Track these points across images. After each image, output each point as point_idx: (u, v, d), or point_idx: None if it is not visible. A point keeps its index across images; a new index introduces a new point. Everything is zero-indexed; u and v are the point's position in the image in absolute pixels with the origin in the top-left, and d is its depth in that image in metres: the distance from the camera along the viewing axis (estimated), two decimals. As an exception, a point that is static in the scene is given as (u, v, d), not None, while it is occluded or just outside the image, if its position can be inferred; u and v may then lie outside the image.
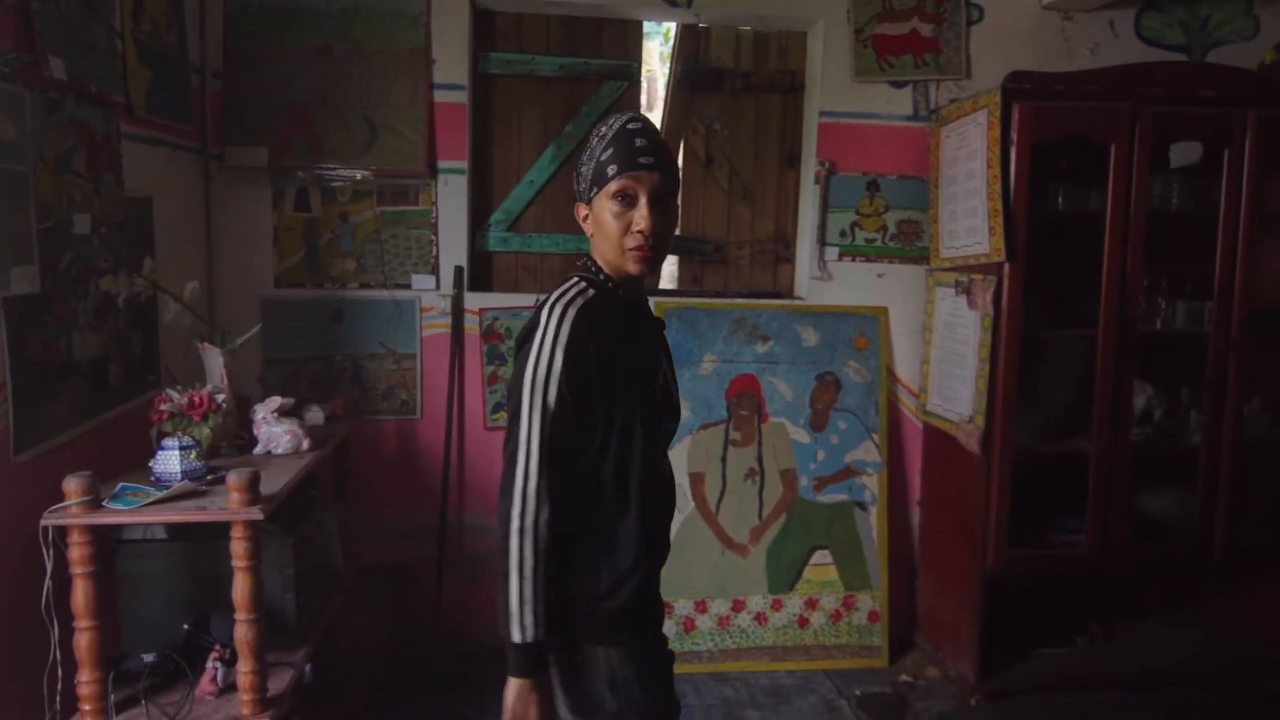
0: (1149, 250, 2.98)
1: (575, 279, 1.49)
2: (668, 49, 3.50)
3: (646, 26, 3.49)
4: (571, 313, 1.41)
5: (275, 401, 2.35)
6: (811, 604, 3.30)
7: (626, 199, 1.44)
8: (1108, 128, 2.89)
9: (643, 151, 1.45)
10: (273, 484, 2.00)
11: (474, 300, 3.24)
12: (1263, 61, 3.39)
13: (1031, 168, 2.87)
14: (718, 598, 3.26)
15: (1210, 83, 3.01)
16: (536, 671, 1.39)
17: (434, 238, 3.19)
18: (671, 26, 3.59)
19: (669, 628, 3.22)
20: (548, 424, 1.38)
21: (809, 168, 3.41)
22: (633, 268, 1.47)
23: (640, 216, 1.44)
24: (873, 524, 3.35)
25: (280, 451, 2.30)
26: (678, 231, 3.53)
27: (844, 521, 3.33)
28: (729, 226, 3.51)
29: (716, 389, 3.29)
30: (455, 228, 3.21)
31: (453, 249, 3.21)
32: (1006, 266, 2.89)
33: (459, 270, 3.20)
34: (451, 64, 3.16)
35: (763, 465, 3.30)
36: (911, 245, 3.41)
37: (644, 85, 3.62)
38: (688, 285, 3.53)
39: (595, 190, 1.46)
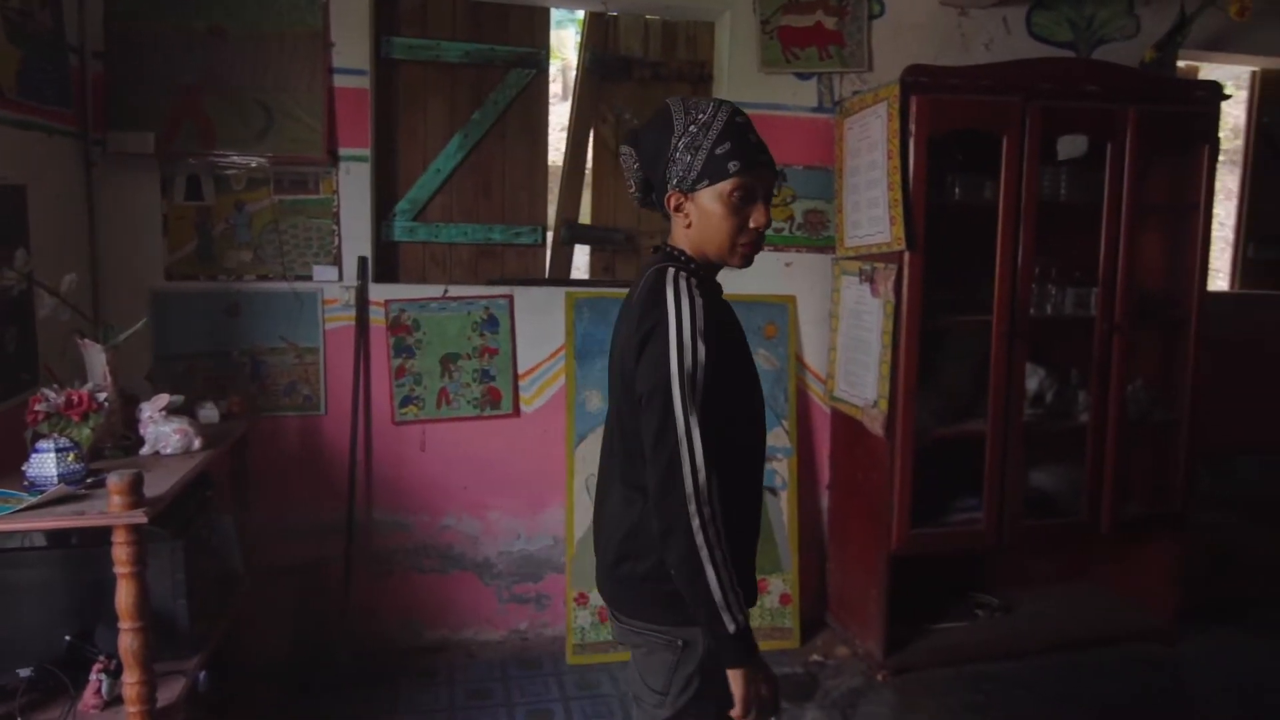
0: (1040, 239, 3.10)
1: (666, 265, 1.48)
2: (582, 37, 3.46)
3: (556, 14, 3.45)
4: (699, 299, 1.42)
5: (162, 399, 2.25)
6: (725, 589, 3.34)
7: (746, 196, 1.46)
8: (1000, 120, 3.00)
9: (761, 149, 1.49)
10: (159, 486, 1.91)
11: (379, 292, 3.16)
12: (1143, 59, 3.56)
13: (929, 158, 2.96)
14: (632, 586, 3.27)
15: (1095, 79, 3.15)
16: (755, 653, 1.41)
17: (336, 227, 3.10)
18: (582, 15, 3.55)
19: (585, 619, 3.23)
20: (702, 413, 1.38)
21: (717, 158, 3.43)
22: (739, 262, 1.53)
23: (760, 215, 1.49)
24: (784, 509, 3.41)
25: (169, 452, 2.20)
26: (588, 221, 3.53)
27: (755, 507, 3.38)
28: (640, 216, 3.51)
29: (628, 378, 3.29)
30: (358, 217, 3.12)
31: (356, 239, 3.12)
32: (907, 255, 2.97)
33: (363, 261, 3.12)
34: (352, 48, 3.07)
35: (675, 453, 3.32)
36: (818, 235, 3.47)
37: (555, 74, 3.59)
38: (600, 275, 3.52)
39: (705, 183, 1.45)
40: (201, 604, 2.21)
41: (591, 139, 3.46)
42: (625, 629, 1.56)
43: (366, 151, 3.11)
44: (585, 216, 3.56)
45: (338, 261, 3.11)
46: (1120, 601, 3.65)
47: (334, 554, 3.13)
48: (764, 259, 3.41)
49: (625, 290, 3.26)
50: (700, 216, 1.48)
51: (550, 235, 3.47)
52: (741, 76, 3.36)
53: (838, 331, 3.41)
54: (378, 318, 3.15)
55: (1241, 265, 4.22)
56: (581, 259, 3.68)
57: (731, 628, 1.36)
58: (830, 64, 3.39)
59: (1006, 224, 3.04)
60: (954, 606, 3.55)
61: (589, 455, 3.24)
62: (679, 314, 1.40)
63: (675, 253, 1.53)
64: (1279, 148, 4.13)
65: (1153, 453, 3.49)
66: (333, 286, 3.11)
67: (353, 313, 3.11)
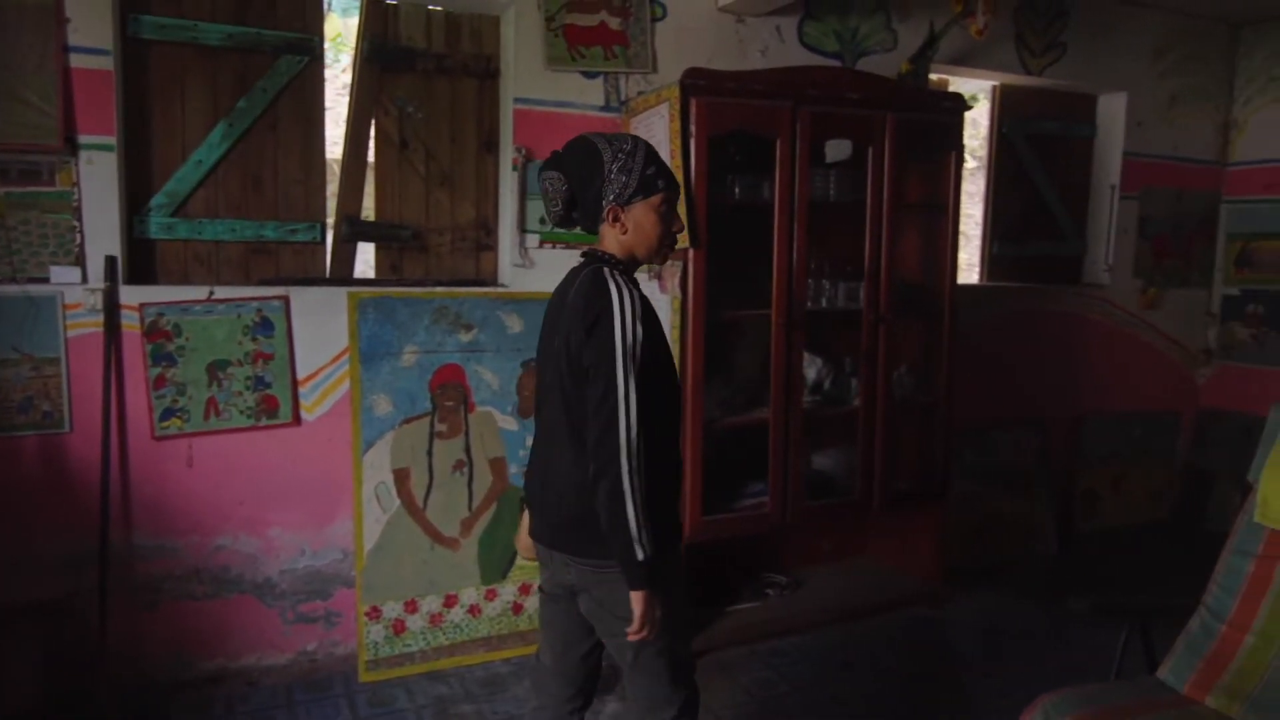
0: (813, 236, 3.30)
1: (599, 265, 1.84)
2: (359, 25, 3.30)
3: (339, 1, 3.27)
4: (635, 290, 1.81)
5: None
6: (525, 590, 3.32)
7: (668, 209, 1.87)
8: (773, 124, 3.16)
9: (671, 173, 1.89)
10: None
11: (133, 295, 2.87)
12: (900, 71, 3.86)
13: (710, 159, 3.07)
14: (429, 595, 3.18)
15: (857, 87, 3.38)
16: (654, 581, 1.75)
17: (77, 224, 2.78)
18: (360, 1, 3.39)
19: (379, 633, 3.10)
20: (638, 382, 1.74)
21: (507, 154, 3.40)
22: (662, 261, 1.96)
23: (678, 222, 1.91)
24: (582, 505, 3.42)
25: None
26: (372, 217, 3.38)
27: (554, 505, 3.37)
28: (428, 213, 3.40)
29: (419, 381, 3.18)
30: (104, 212, 2.81)
31: (102, 237, 2.82)
32: (691, 253, 3.07)
33: (111, 261, 2.82)
34: (91, 24, 2.76)
35: (471, 456, 3.26)
36: (608, 232, 3.50)
37: (348, 64, 3.40)
38: (386, 274, 3.38)
39: (640, 197, 1.83)
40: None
41: (373, 132, 3.31)
42: (585, 570, 1.86)
43: (112, 140, 2.81)
44: (369, 212, 3.40)
45: (80, 262, 2.79)
46: (894, 571, 3.96)
47: (88, 586, 2.82)
48: (557, 256, 3.43)
49: (414, 290, 3.20)
50: (635, 225, 1.84)
51: (330, 232, 3.30)
52: (528, 72, 3.34)
53: (630, 327, 3.46)
54: (131, 323, 2.86)
55: (989, 261, 4.68)
56: (367, 257, 3.52)
57: (640, 556, 1.72)
58: (616, 64, 3.44)
59: (782, 222, 3.21)
60: (748, 587, 3.71)
61: (378, 463, 3.11)
62: (621, 303, 1.76)
63: (606, 256, 1.87)
64: (1017, 154, 4.62)
65: (917, 432, 3.80)
66: (75, 289, 2.79)
67: (100, 318, 2.81)
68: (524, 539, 2.11)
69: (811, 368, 3.57)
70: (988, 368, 4.37)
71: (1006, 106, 4.59)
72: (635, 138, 1.88)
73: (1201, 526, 4.84)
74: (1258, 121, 4.90)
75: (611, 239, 1.87)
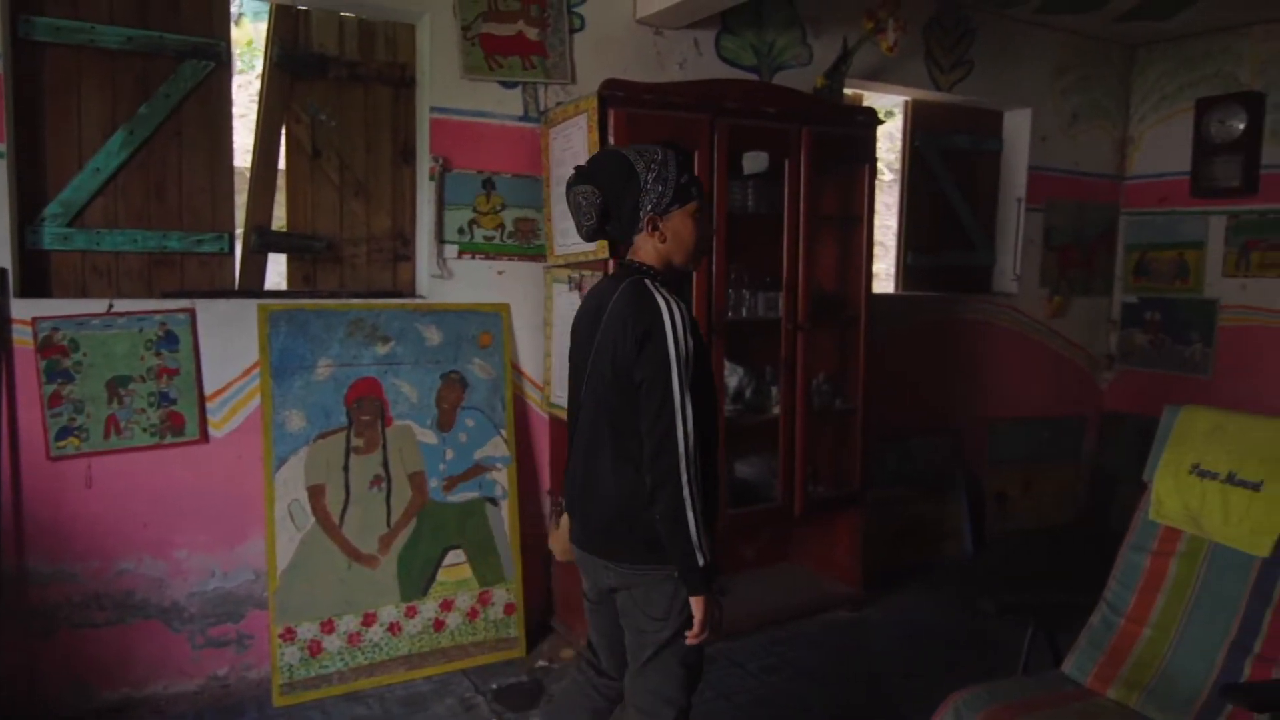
0: (733, 247, 3.34)
1: (642, 278, 1.89)
2: (268, 30, 3.21)
3: (250, 6, 3.19)
4: (681, 304, 1.85)
5: None
6: (447, 605, 3.26)
7: (703, 215, 1.94)
8: (691, 135, 3.19)
9: (700, 180, 1.96)
10: None
11: (25, 308, 2.73)
12: (815, 85, 3.95)
13: (628, 170, 3.07)
14: (346, 614, 3.09)
15: (774, 101, 3.44)
16: (713, 586, 1.83)
17: (-38, 234, 2.64)
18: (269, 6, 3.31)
19: (293, 655, 3.00)
20: (690, 394, 1.79)
21: (423, 164, 3.35)
22: (697, 267, 2.06)
23: (711, 230, 1.95)
24: (505, 518, 3.39)
25: None
26: (284, 228, 3.29)
27: (476, 519, 3.33)
28: (342, 223, 3.33)
29: (334, 395, 3.11)
30: (-7, 222, 2.68)
31: (-9, 247, 2.68)
32: (611, 264, 3.06)
33: (1, 273, 2.68)
34: (-23, 25, 2.63)
35: (389, 470, 3.19)
36: (529, 243, 3.49)
37: (237, 68, 3.31)
38: (299, 285, 3.29)
39: (676, 206, 1.90)
40: None
41: (284, 140, 3.22)
42: (625, 572, 1.92)
43: (1, 146, 2.68)
44: (281, 223, 3.32)
45: (-34, 274, 2.65)
46: (816, 576, 4.02)
47: (-25, 617, 2.67)
48: (476, 267, 3.40)
49: (328, 301, 3.13)
50: (673, 233, 1.91)
51: (239, 243, 3.20)
52: (445, 82, 3.30)
53: (552, 339, 3.45)
54: (24, 338, 2.72)
55: (904, 270, 4.81)
56: (278, 269, 3.43)
57: (701, 562, 1.79)
58: (534, 74, 3.43)
59: (701, 233, 3.24)
60: (673, 597, 3.71)
61: (291, 479, 3.02)
62: (672, 316, 1.81)
63: (644, 268, 1.92)
64: (929, 167, 4.76)
65: (836, 439, 3.87)
66: (-40, 303, 2.65)
67: (-11, 333, 2.67)
68: (561, 542, 2.15)
69: (733, 376, 3.60)
70: (904, 375, 4.48)
71: (918, 121, 4.73)
72: (663, 148, 1.93)
73: (1106, 525, 5.06)
74: (1152, 137, 5.16)
75: (649, 248, 1.93)
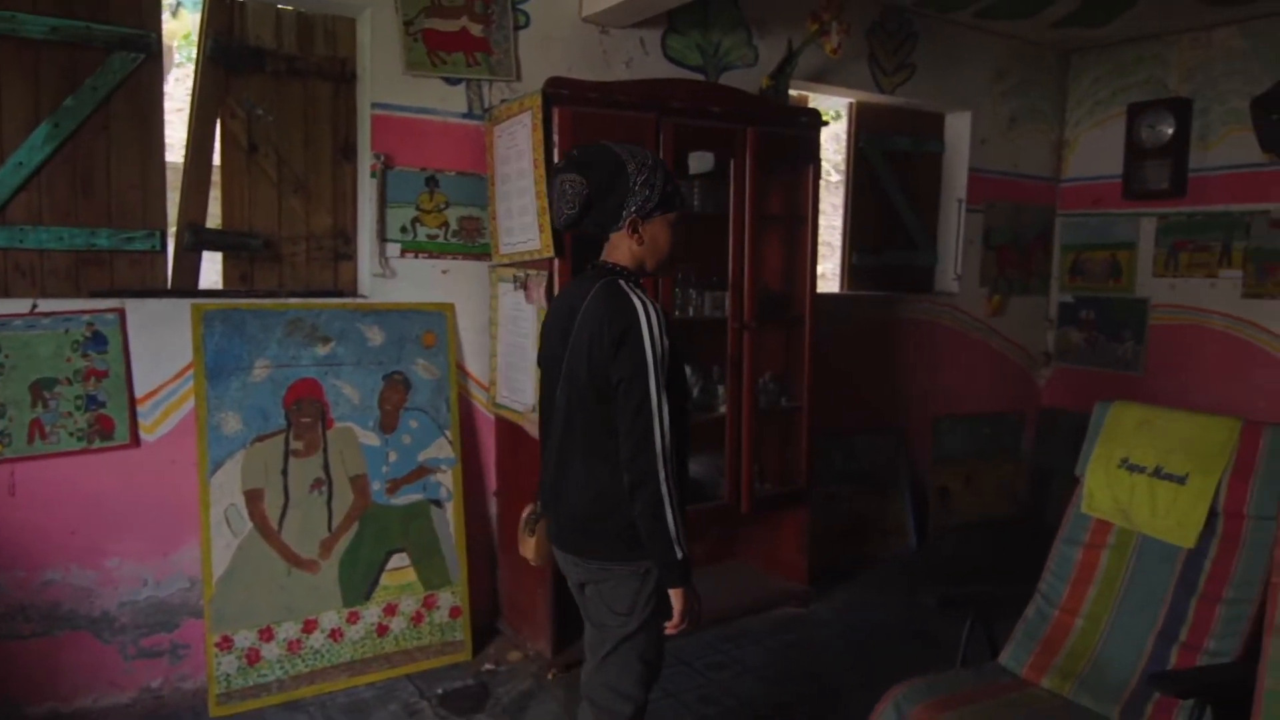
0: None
1: (616, 279, 1.91)
2: (202, 22, 3.12)
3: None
4: (656, 305, 1.88)
5: None
6: (390, 610, 3.21)
7: (679, 225, 1.99)
8: (636, 135, 3.17)
9: (684, 192, 2.08)
10: None
11: (-59, 308, 2.62)
12: (761, 86, 3.97)
13: (573, 169, 3.06)
14: (286, 621, 3.03)
15: (719, 101, 3.45)
16: (691, 578, 1.87)
17: (-127, 230, 2.52)
18: (200, -3, 3.22)
19: (230, 664, 2.93)
20: (666, 393, 1.81)
21: (365, 161, 3.29)
22: (666, 274, 2.25)
23: (680, 239, 2.00)
24: (450, 520, 3.35)
25: None
26: (219, 225, 3.21)
27: (420, 521, 3.28)
28: (281, 221, 3.26)
29: (272, 396, 3.04)
30: (-95, 218, 2.56)
31: (-96, 244, 2.56)
32: (556, 262, 3.05)
33: (-86, 271, 2.57)
34: (-113, 11, 2.51)
35: (330, 474, 3.13)
36: (474, 241, 3.45)
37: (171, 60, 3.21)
38: (235, 285, 3.21)
39: (659, 212, 1.93)
40: None
41: (220, 135, 3.14)
42: (593, 568, 1.96)
43: (-85, 138, 2.57)
44: (216, 220, 3.23)
45: (-123, 272, 2.53)
46: (763, 573, 4.05)
47: (-112, 632, 2.55)
48: (420, 266, 3.36)
49: (265, 301, 3.06)
50: (651, 238, 1.94)
51: (172, 241, 3.11)
52: (387, 77, 3.25)
53: (497, 339, 3.42)
54: (-60, 339, 2.61)
55: (850, 270, 4.87)
56: (214, 267, 3.34)
57: (679, 555, 1.83)
58: (479, 71, 3.39)
59: (646, 232, 3.23)
60: (621, 597, 3.70)
61: (227, 484, 2.95)
62: (648, 316, 1.83)
63: (618, 269, 1.95)
64: (873, 169, 4.83)
65: (782, 437, 3.91)
66: None
67: (-98, 334, 2.55)
68: (534, 546, 2.14)
69: (679, 376, 3.60)
70: (849, 373, 4.54)
71: (863, 123, 4.79)
72: (654, 153, 2.00)
73: (1044, 518, 5.18)
74: (1086, 141, 5.30)
75: (624, 248, 1.95)
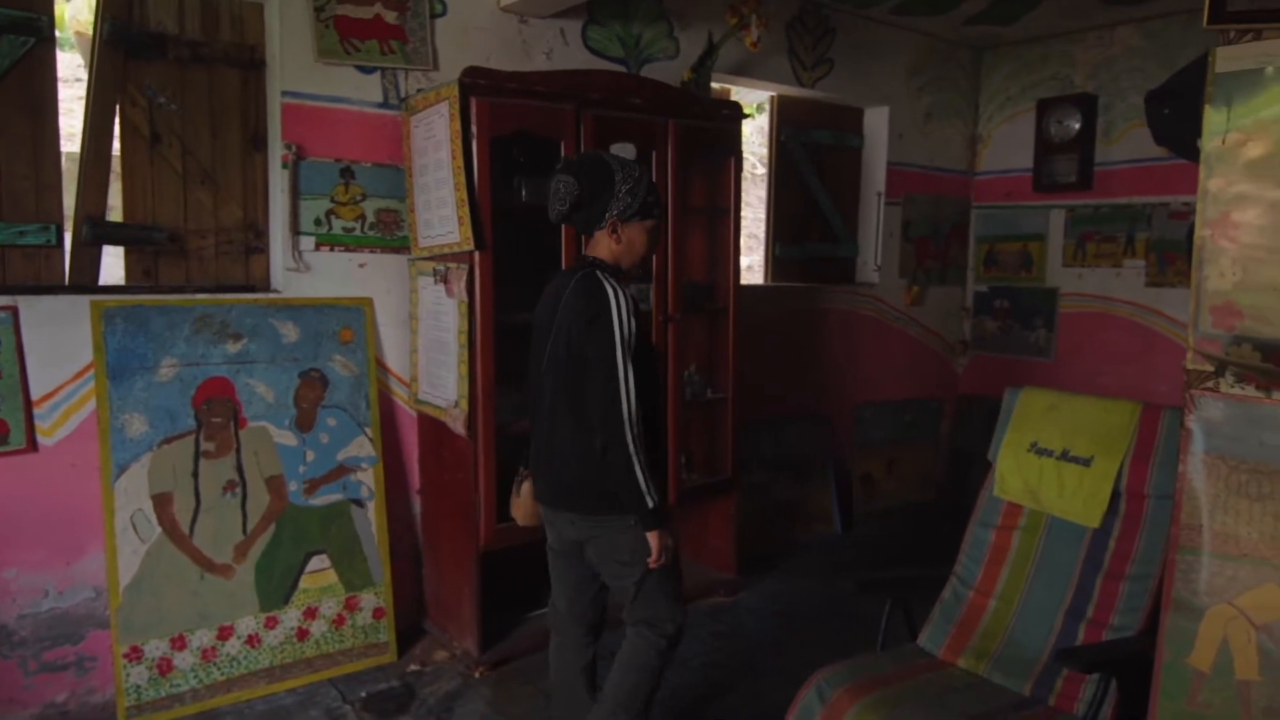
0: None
1: (594, 270, 2.22)
2: (97, 5, 2.96)
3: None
4: (625, 290, 2.19)
5: None
6: (311, 613, 3.13)
7: (656, 232, 2.33)
8: (556, 126, 3.15)
9: (664, 205, 2.44)
10: None
11: None
12: (683, 79, 3.98)
13: (494, 160, 3.02)
14: (199, 629, 2.92)
15: (640, 93, 3.44)
16: (664, 521, 2.18)
17: None
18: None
19: (141, 675, 2.82)
20: (632, 366, 2.11)
21: (276, 151, 3.19)
22: (638, 271, 2.42)
23: (658, 243, 2.57)
24: (371, 519, 3.27)
25: None
26: (120, 218, 3.07)
27: (341, 522, 3.20)
28: (187, 213, 3.13)
29: (180, 396, 2.92)
30: None
31: None
32: (477, 255, 3.00)
33: None
34: None
35: (244, 475, 3.02)
36: (392, 234, 3.38)
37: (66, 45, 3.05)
38: (139, 280, 3.07)
39: (637, 218, 2.25)
40: None
41: (119, 124, 3.00)
42: (590, 524, 2.25)
43: None
44: (117, 213, 3.08)
45: None
46: (692, 563, 4.07)
47: None
48: (336, 260, 3.27)
49: (173, 296, 2.95)
50: (628, 239, 2.26)
51: (69, 235, 2.95)
52: (297, 65, 3.15)
53: (418, 333, 3.35)
54: None
55: (773, 262, 4.93)
56: (116, 262, 3.19)
57: (650, 504, 2.14)
58: (394, 59, 3.31)
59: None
60: (549, 591, 3.67)
61: (133, 488, 2.83)
62: (617, 301, 2.14)
63: (598, 262, 2.26)
64: (795, 162, 4.89)
65: (707, 427, 3.93)
66: None
67: None
68: (523, 507, 2.46)
69: (605, 369, 3.59)
70: (774, 363, 4.60)
71: (785, 117, 4.84)
72: (641, 167, 2.29)
73: (962, 502, 5.33)
74: (998, 135, 5.46)
75: (605, 246, 2.26)
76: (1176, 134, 3.56)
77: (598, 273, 2.21)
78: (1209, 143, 1.77)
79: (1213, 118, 1.76)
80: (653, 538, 2.18)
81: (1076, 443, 2.44)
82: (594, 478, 2.20)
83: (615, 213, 2.22)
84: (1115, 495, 2.34)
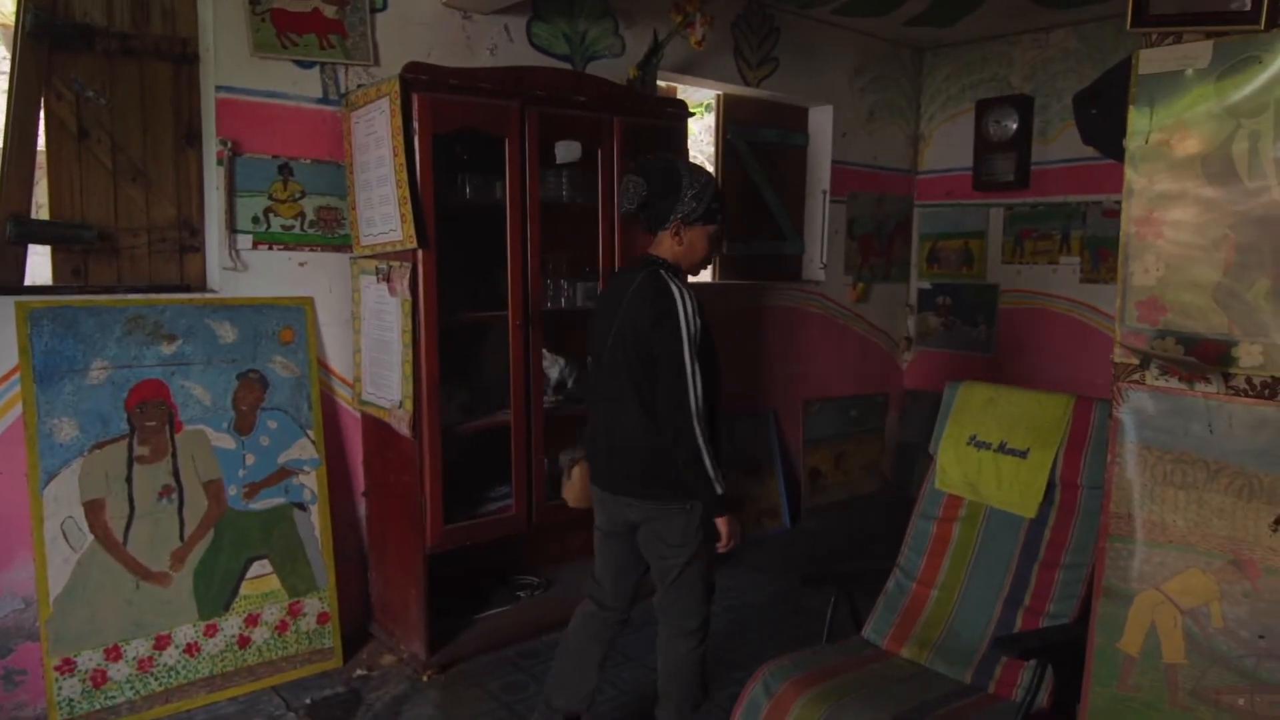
0: (549, 236, 3.31)
1: (658, 269, 2.34)
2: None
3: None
4: (690, 291, 2.30)
5: None
6: (253, 620, 3.06)
7: (717, 238, 2.44)
8: (500, 123, 3.12)
9: (727, 212, 2.45)
10: None
11: None
12: (629, 76, 3.98)
13: (436, 157, 2.98)
14: (135, 638, 2.84)
15: (585, 90, 3.43)
16: (732, 507, 2.33)
17: None
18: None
19: (73, 688, 2.73)
20: (697, 364, 2.24)
21: (210, 147, 3.10)
22: (696, 273, 2.49)
23: (719, 249, 2.75)
24: (315, 523, 3.21)
25: None
26: (47, 216, 2.96)
27: (283, 526, 3.14)
28: (117, 211, 3.03)
29: (112, 400, 2.83)
30: None
31: None
32: (420, 253, 2.96)
33: None
34: None
35: (180, 480, 2.94)
36: (333, 233, 3.32)
37: None
38: (67, 280, 2.96)
39: (700, 223, 2.37)
40: None
41: (44, 118, 2.89)
42: (650, 508, 2.36)
43: None
44: (43, 210, 2.98)
45: None
46: (642, 561, 4.07)
47: None
48: (274, 258, 3.20)
49: (103, 297, 2.86)
50: (689, 242, 2.39)
51: (-9, 233, 2.84)
52: (232, 59, 3.07)
53: (361, 333, 3.30)
54: None
55: (720, 260, 4.95)
56: (43, 262, 3.07)
57: (719, 491, 2.28)
58: (333, 54, 3.25)
59: (514, 222, 3.19)
60: (498, 592, 3.66)
61: (64, 495, 2.73)
62: (683, 301, 2.27)
63: (661, 261, 2.38)
64: (741, 160, 4.92)
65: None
66: None
67: None
68: (576, 490, 2.68)
69: (554, 367, 3.58)
70: (723, 360, 4.60)
71: (730, 115, 4.87)
72: (710, 174, 2.41)
73: (907, 495, 5.44)
74: (939, 135, 5.57)
75: (668, 246, 2.39)
76: (1103, 134, 3.67)
77: (662, 272, 2.32)
78: (1133, 142, 1.82)
79: (1136, 118, 1.82)
80: (723, 523, 2.33)
81: (1014, 435, 2.50)
82: (660, 466, 2.30)
83: (680, 215, 2.33)
84: (1050, 486, 2.41)
